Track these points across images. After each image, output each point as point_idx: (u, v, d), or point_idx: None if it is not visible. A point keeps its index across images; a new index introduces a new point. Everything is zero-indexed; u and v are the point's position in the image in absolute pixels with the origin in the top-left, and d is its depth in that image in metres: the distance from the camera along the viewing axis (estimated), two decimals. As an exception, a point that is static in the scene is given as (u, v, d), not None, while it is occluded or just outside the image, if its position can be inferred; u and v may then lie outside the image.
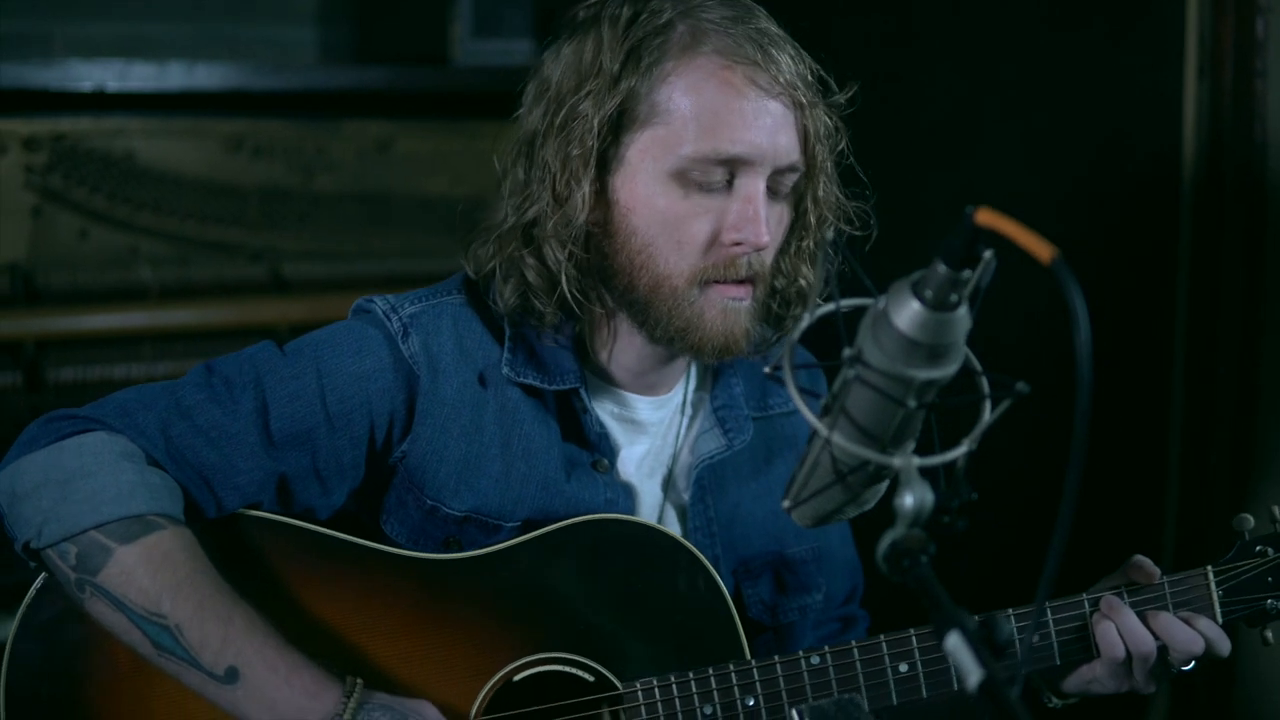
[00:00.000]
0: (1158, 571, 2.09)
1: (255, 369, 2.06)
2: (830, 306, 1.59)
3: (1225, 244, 3.18)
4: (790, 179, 2.06)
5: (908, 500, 1.48)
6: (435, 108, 4.10)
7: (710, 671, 2.02)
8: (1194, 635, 2.05)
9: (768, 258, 2.06)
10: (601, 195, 2.06)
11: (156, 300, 3.76)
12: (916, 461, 1.52)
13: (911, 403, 1.54)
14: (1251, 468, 3.19)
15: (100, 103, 3.69)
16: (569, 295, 2.06)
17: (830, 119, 2.10)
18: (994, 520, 1.93)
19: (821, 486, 1.66)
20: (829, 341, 1.62)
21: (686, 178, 2.01)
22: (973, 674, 1.38)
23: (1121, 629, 2.04)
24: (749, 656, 2.07)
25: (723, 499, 2.22)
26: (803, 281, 2.14)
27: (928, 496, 1.49)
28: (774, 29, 2.07)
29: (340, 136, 4.00)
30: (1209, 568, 2.10)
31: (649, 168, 2.03)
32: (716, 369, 2.25)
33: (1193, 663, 2.06)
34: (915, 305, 1.49)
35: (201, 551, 1.96)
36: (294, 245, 3.97)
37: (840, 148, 2.13)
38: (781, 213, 2.08)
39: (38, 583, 2.00)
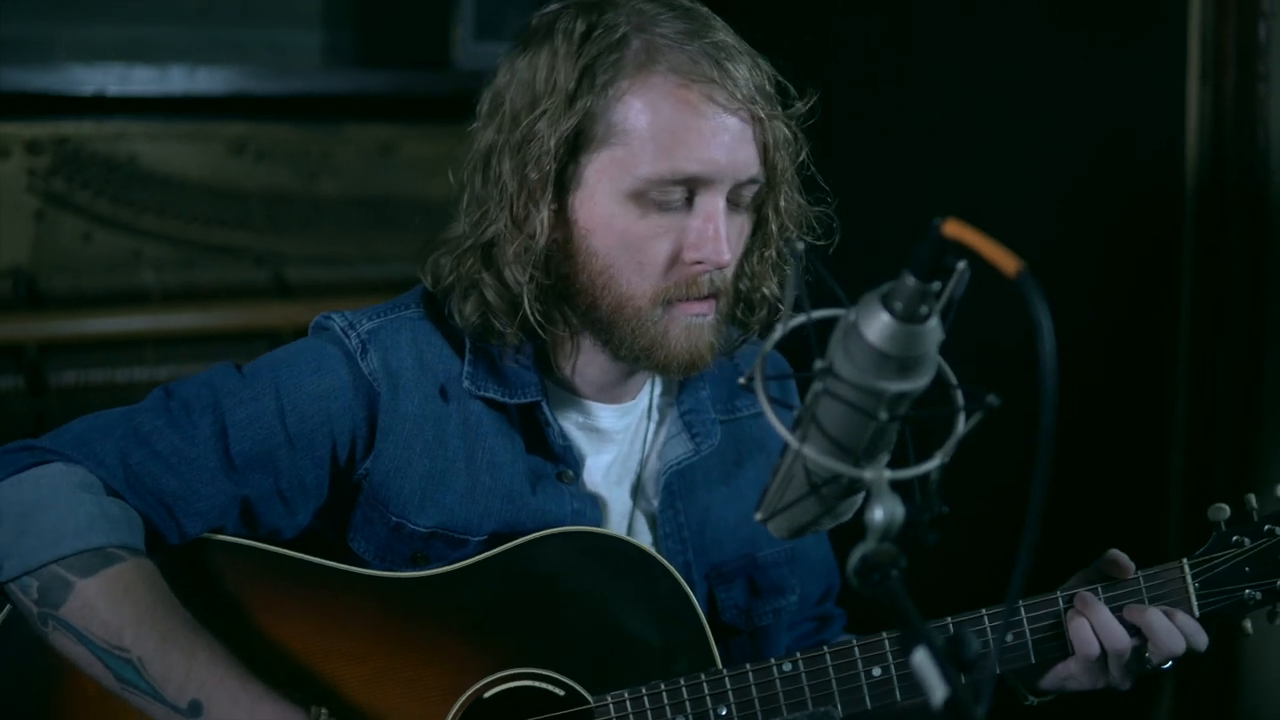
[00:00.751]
0: (1132, 565, 2.06)
1: (213, 392, 2.04)
2: (801, 318, 1.58)
3: (1228, 247, 3.16)
4: (750, 191, 2.04)
5: (878, 514, 1.47)
6: (438, 111, 4.07)
7: (682, 682, 2.01)
8: (1174, 630, 2.02)
9: (730, 273, 2.05)
10: (560, 215, 2.03)
11: (159, 304, 3.77)
12: (887, 475, 1.51)
13: (883, 415, 1.53)
14: (1255, 469, 3.18)
15: (103, 106, 3.71)
16: (531, 317, 2.04)
17: (789, 128, 2.07)
18: (984, 528, 1.92)
19: (796, 498, 1.65)
20: (801, 350, 1.61)
21: (645, 198, 1.98)
22: (938, 690, 1.37)
23: (1096, 626, 2.02)
24: (720, 665, 2.06)
25: (692, 504, 2.20)
26: (766, 290, 2.13)
27: (898, 510, 1.48)
28: (730, 40, 2.03)
29: (343, 140, 4.01)
30: (1184, 560, 2.08)
31: (606, 188, 2.00)
32: None
33: (1170, 661, 2.04)
34: (885, 317, 1.48)
35: (163, 582, 1.95)
36: (297, 249, 3.98)
37: (801, 157, 2.10)
38: (742, 224, 2.05)
39: (3, 615, 1.99)
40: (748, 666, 2.00)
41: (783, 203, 2.09)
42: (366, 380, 2.05)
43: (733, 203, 2.02)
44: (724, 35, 2.03)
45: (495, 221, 2.03)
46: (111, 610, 1.90)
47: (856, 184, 2.22)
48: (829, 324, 1.56)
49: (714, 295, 2.03)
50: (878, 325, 1.49)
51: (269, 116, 3.92)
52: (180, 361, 3.74)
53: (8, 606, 1.99)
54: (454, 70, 3.95)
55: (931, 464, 1.53)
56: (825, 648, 2.01)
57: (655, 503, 2.18)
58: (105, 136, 3.76)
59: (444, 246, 2.13)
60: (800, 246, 1.57)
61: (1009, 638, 2.04)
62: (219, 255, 3.90)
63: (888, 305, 1.48)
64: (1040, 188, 3.47)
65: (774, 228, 2.10)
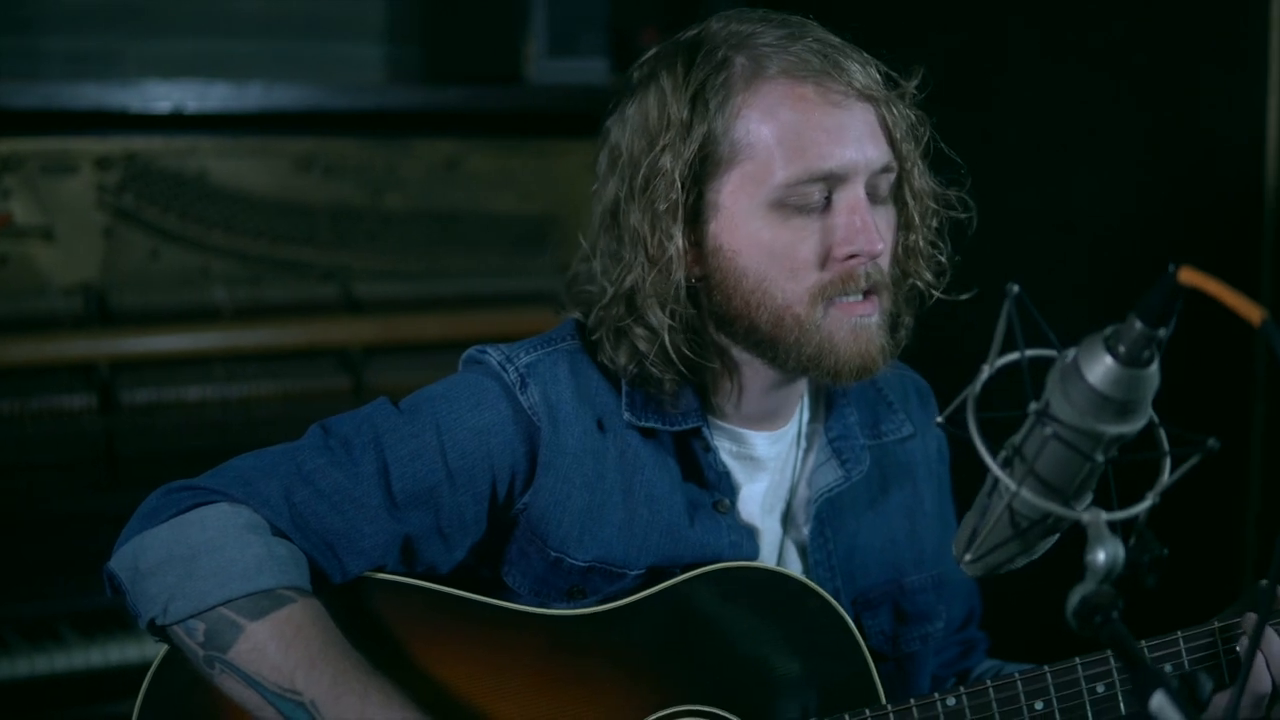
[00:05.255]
0: None
1: (374, 428, 2.03)
2: (1014, 356, 1.58)
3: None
4: (887, 180, 2.04)
5: (1100, 556, 1.47)
6: (508, 126, 4.09)
7: (846, 718, 2.01)
8: None
9: (885, 264, 2.03)
10: (699, 247, 2.03)
11: (229, 320, 3.75)
12: (1105, 516, 1.51)
13: (1099, 457, 1.54)
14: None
15: (173, 122, 3.68)
16: (679, 356, 2.03)
17: (911, 111, 2.07)
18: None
19: (1000, 540, 1.65)
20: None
21: (784, 205, 1.98)
22: (1185, 736, 1.37)
23: (1270, 659, 2.01)
24: (883, 699, 2.05)
25: (840, 531, 2.20)
26: (919, 281, 2.12)
27: (1120, 552, 1.48)
28: (831, 38, 2.04)
29: (410, 155, 3.99)
30: None
31: (745, 205, 2.00)
32: (830, 398, 2.22)
33: None
34: (1108, 360, 1.48)
35: (331, 623, 1.94)
36: (364, 264, 3.96)
37: (926, 138, 2.10)
38: (888, 215, 2.05)
39: (160, 655, 1.98)
40: (912, 702, 2.00)
41: (918, 185, 2.09)
42: (526, 415, 2.04)
43: (872, 195, 2.01)
44: (823, 34, 2.04)
45: (633, 268, 2.03)
46: (282, 653, 1.89)
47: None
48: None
49: (873, 290, 2.02)
50: (1100, 368, 1.49)
51: (336, 131, 3.90)
52: (250, 379, 3.72)
53: (164, 647, 1.98)
54: (526, 86, 3.93)
55: (1145, 504, 1.54)
56: (989, 681, 2.01)
57: (805, 531, 2.18)
58: (174, 152, 3.74)
59: (584, 296, 2.14)
60: (1015, 289, 1.57)
61: (1168, 667, 2.04)
62: (287, 271, 3.88)
63: (1110, 348, 1.49)
64: (1120, 201, 3.48)
65: (915, 213, 2.09)
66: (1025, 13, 3.69)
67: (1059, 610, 1.91)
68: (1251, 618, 2.02)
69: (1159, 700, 1.40)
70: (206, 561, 1.91)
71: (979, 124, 3.58)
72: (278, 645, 1.89)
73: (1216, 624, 2.05)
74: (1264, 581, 2.07)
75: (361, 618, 2.00)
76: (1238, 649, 2.01)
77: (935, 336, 2.21)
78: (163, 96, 3.59)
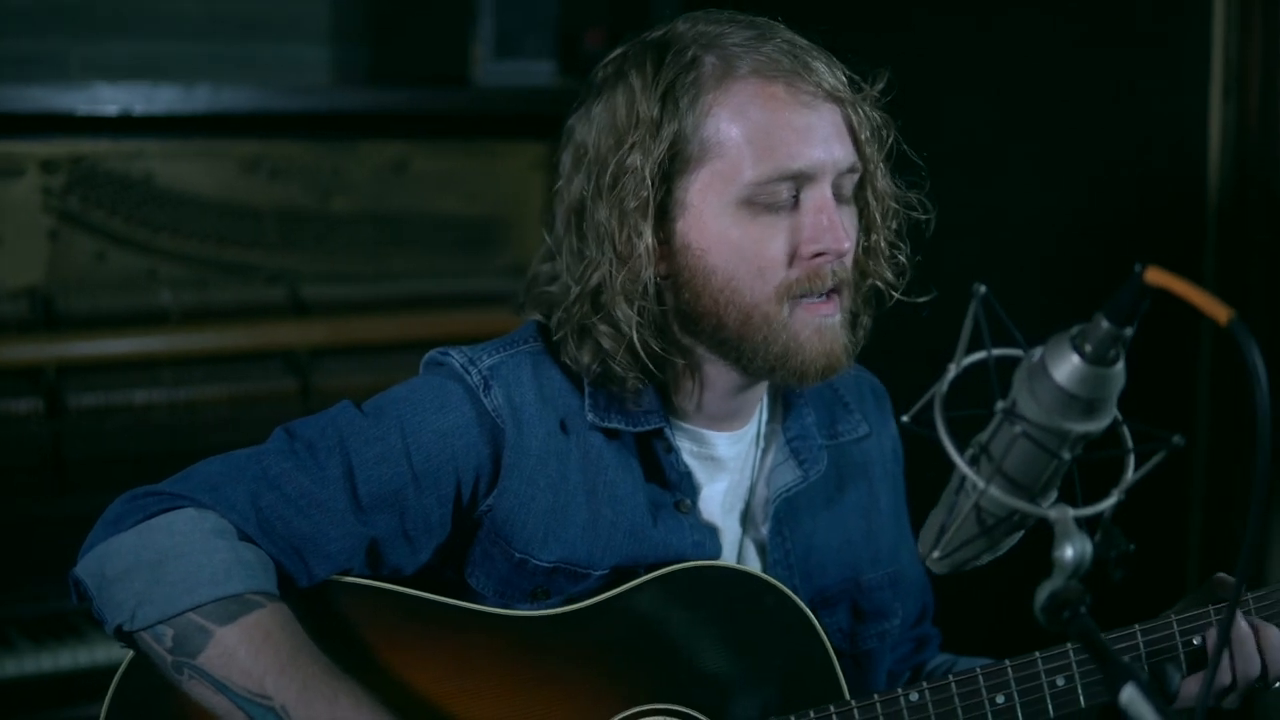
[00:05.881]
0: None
1: (339, 432, 2.03)
2: (980, 355, 1.60)
3: (1251, 264, 3.22)
4: (851, 180, 2.06)
5: (1068, 552, 1.50)
6: (455, 128, 4.09)
7: (811, 714, 2.02)
8: None
9: (849, 262, 2.06)
10: (666, 245, 2.05)
11: (176, 323, 3.74)
12: (1071, 513, 1.54)
13: (1066, 455, 1.57)
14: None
15: (120, 125, 3.65)
16: (645, 353, 2.04)
17: (875, 114, 2.10)
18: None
19: (968, 538, 1.67)
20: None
21: (753, 203, 2.00)
22: (1156, 728, 1.39)
23: (1236, 649, 2.02)
24: (847, 695, 2.08)
25: (798, 530, 2.22)
26: (877, 281, 2.14)
27: (1087, 548, 1.51)
28: (799, 39, 2.06)
29: (357, 157, 3.99)
30: None
31: (714, 204, 2.01)
32: (788, 399, 2.24)
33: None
34: (1075, 359, 1.51)
35: (300, 627, 1.93)
36: (312, 267, 3.95)
37: (890, 140, 2.12)
38: (851, 215, 2.08)
39: (126, 660, 1.98)
40: (875, 697, 2.02)
41: (880, 186, 2.11)
42: (491, 417, 2.05)
43: (835, 195, 2.03)
44: (791, 35, 2.07)
45: (599, 265, 2.04)
46: (252, 658, 1.89)
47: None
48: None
49: (836, 290, 2.04)
50: (1067, 367, 1.52)
51: (283, 134, 3.88)
52: (197, 383, 3.71)
53: (130, 653, 1.97)
54: (473, 87, 3.94)
55: (1110, 501, 1.56)
56: (950, 676, 2.03)
57: (764, 530, 2.19)
58: (121, 155, 3.71)
59: (544, 297, 2.15)
60: (981, 289, 1.59)
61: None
62: (234, 274, 3.86)
63: (1077, 347, 1.51)
64: (1063, 205, 3.51)
65: (876, 214, 2.12)
66: (961, 13, 3.73)
67: (1009, 606, 1.93)
68: (1209, 610, 2.06)
69: (1129, 693, 1.43)
70: (174, 567, 1.91)
71: (918, 125, 3.63)
72: (247, 650, 1.89)
73: (1174, 617, 2.08)
74: (1220, 574, 2.12)
75: (328, 621, 2.00)
76: (1195, 641, 2.04)
77: (886, 336, 2.24)
78: (110, 99, 3.57)
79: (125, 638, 1.94)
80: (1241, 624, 2.04)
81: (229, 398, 3.75)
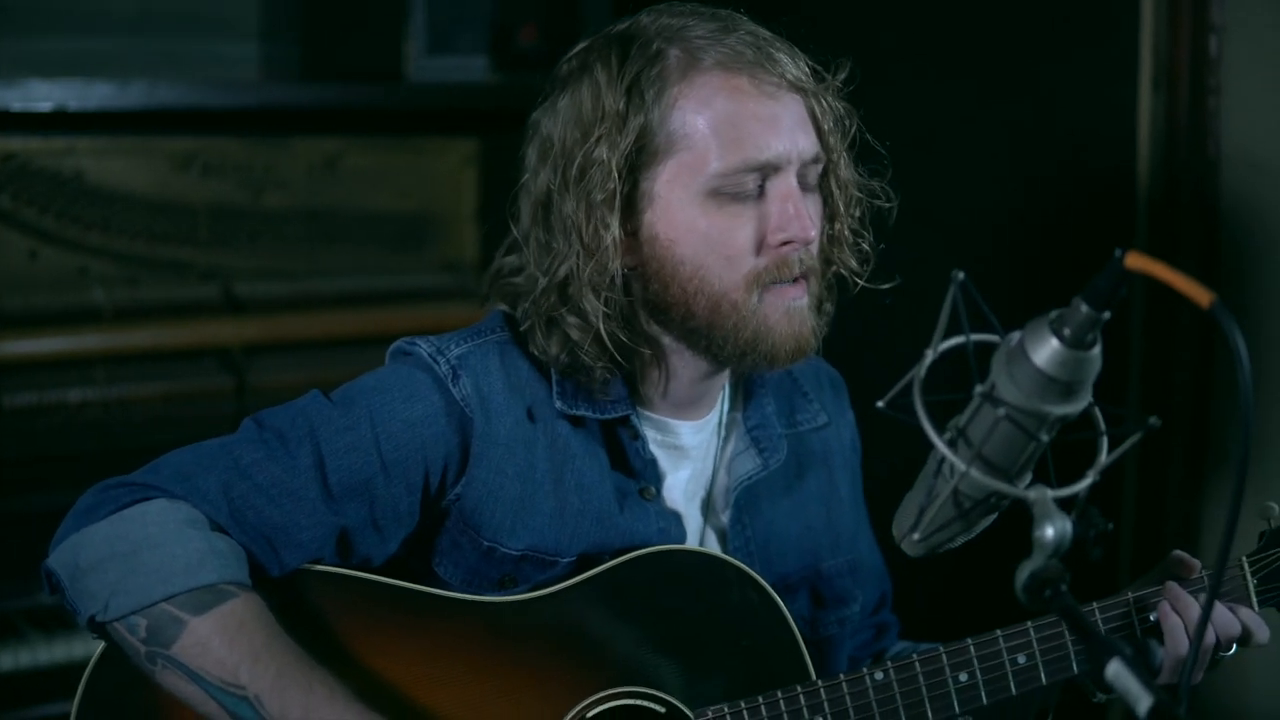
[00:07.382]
0: (1198, 565, 2.12)
1: (309, 421, 2.04)
2: (957, 340, 1.63)
3: (1180, 256, 3.26)
4: (816, 170, 2.09)
5: (1049, 532, 1.53)
6: (387, 124, 4.09)
7: (779, 695, 2.05)
8: (1232, 619, 2.08)
9: (815, 250, 2.09)
10: (633, 236, 2.07)
11: (109, 322, 3.71)
12: (1050, 494, 1.57)
13: (1044, 437, 1.60)
14: (1205, 487, 3.28)
15: (51, 122, 3.62)
16: (612, 344, 2.06)
17: (838, 104, 2.13)
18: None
19: (945, 520, 1.70)
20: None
21: (720, 193, 2.02)
22: (1143, 700, 1.43)
23: (1188, 623, 2.07)
24: (814, 676, 2.11)
25: (758, 518, 2.25)
26: (841, 268, 2.18)
27: (1067, 528, 1.54)
28: (762, 31, 2.09)
29: (290, 153, 3.97)
30: (1243, 557, 2.16)
31: (681, 195, 2.04)
32: (748, 388, 2.27)
33: (1233, 647, 2.11)
34: (1054, 343, 1.54)
35: (273, 617, 1.94)
36: (245, 263, 3.94)
37: (853, 130, 2.16)
38: (816, 203, 2.11)
39: (97, 653, 1.97)
40: (841, 677, 2.05)
41: (844, 175, 2.15)
42: (459, 406, 2.07)
43: (799, 184, 2.06)
44: (754, 27, 2.10)
45: (567, 257, 2.06)
46: (226, 648, 1.89)
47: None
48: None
49: (803, 276, 2.07)
50: (1046, 350, 1.55)
51: (215, 130, 3.86)
52: (131, 381, 3.69)
53: (102, 646, 1.97)
54: (405, 83, 3.93)
55: (1087, 481, 1.60)
56: (914, 656, 2.06)
57: (725, 518, 2.22)
58: (52, 152, 3.68)
59: (510, 287, 2.17)
60: (960, 275, 1.62)
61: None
62: (167, 271, 3.84)
63: (1056, 331, 1.54)
64: (993, 197, 3.55)
65: (840, 203, 2.15)
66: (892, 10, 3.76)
67: (970, 591, 1.96)
68: (1173, 586, 2.09)
69: (1115, 668, 1.46)
70: (148, 557, 1.91)
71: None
72: (221, 640, 1.89)
73: (1130, 594, 2.12)
74: (1176, 551, 2.16)
75: (300, 610, 2.01)
76: (1151, 618, 2.08)
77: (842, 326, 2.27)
78: (44, 96, 3.53)
79: (98, 629, 1.94)
80: (1188, 600, 2.08)
81: (163, 396, 3.73)
